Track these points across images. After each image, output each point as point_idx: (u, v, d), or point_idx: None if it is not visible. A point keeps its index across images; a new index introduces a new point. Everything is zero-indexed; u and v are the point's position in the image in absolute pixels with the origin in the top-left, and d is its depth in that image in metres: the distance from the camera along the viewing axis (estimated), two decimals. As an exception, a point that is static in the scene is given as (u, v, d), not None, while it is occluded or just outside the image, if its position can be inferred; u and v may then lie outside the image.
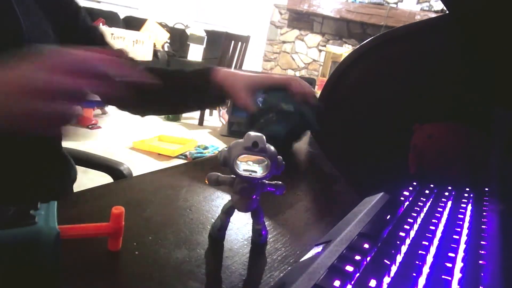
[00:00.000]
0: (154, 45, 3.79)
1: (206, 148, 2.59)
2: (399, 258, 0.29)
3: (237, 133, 2.27)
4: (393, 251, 0.29)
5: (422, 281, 0.26)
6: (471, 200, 0.45)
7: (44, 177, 0.63)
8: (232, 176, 0.31)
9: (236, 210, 0.32)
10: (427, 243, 0.31)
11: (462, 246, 0.32)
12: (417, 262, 0.28)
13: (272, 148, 0.29)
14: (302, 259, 0.30)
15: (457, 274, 0.27)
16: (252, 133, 0.29)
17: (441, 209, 0.40)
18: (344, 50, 3.82)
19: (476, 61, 0.69)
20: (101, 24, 3.23)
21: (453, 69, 0.72)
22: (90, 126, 2.66)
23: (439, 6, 4.08)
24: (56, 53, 0.31)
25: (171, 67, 0.72)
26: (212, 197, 0.43)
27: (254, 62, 5.04)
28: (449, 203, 0.44)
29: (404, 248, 0.30)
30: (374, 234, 0.31)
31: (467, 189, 0.49)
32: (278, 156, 0.30)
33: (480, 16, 0.60)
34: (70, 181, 0.69)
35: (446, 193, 0.46)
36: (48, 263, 0.25)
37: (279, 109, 0.61)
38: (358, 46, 0.80)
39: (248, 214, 0.33)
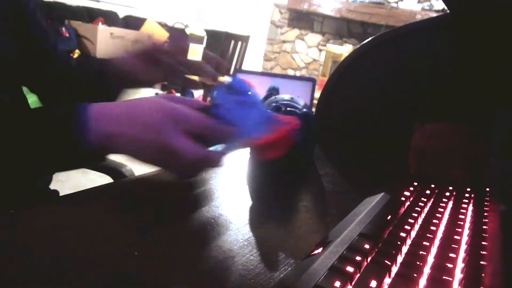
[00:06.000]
0: (154, 45, 3.78)
1: (206, 147, 2.59)
2: (399, 259, 0.29)
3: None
4: (393, 252, 0.29)
5: (422, 281, 0.26)
6: (471, 200, 0.45)
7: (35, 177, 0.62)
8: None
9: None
10: (428, 244, 0.31)
11: (463, 247, 0.32)
12: (417, 263, 0.28)
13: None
14: (302, 259, 0.30)
15: (458, 275, 0.27)
16: None
17: (441, 209, 0.40)
18: (345, 50, 3.82)
19: (476, 61, 0.69)
20: (100, 23, 3.23)
21: (453, 69, 0.71)
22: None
23: (440, 5, 4.08)
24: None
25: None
26: (213, 197, 0.42)
27: (254, 62, 5.04)
28: (450, 204, 0.44)
29: (404, 249, 0.30)
30: (375, 234, 0.31)
31: (468, 189, 0.49)
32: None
33: (481, 16, 0.60)
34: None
35: (447, 194, 0.46)
36: None
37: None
38: (358, 46, 0.80)
39: (249, 213, 0.33)
